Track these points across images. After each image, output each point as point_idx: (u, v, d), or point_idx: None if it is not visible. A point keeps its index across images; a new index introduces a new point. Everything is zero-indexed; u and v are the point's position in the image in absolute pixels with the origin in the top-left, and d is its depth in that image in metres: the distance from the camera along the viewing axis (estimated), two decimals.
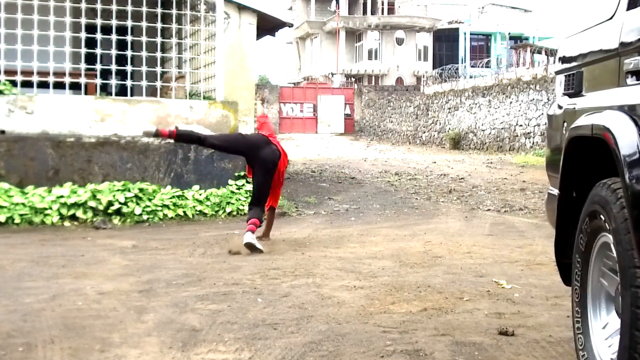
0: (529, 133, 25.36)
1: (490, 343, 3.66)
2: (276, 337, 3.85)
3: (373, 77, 50.90)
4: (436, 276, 5.44)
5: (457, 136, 30.00)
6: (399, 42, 51.70)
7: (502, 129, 27.18)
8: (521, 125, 25.88)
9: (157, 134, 7.09)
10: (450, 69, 38.15)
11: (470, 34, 52.69)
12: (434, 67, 48.45)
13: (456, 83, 34.08)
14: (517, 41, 47.22)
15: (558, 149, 3.39)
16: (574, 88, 3.22)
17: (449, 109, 31.45)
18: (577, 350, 2.95)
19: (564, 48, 3.53)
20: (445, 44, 53.30)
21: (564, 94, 3.41)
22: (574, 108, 3.17)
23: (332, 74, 49.20)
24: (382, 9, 53.95)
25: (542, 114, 24.44)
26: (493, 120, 27.84)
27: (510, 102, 26.70)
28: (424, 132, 33.98)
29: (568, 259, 3.10)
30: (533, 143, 24.91)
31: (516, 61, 37.84)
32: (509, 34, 47.69)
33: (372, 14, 53.15)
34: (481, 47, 53.65)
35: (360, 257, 6.38)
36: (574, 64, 3.31)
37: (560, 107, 3.48)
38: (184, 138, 7.58)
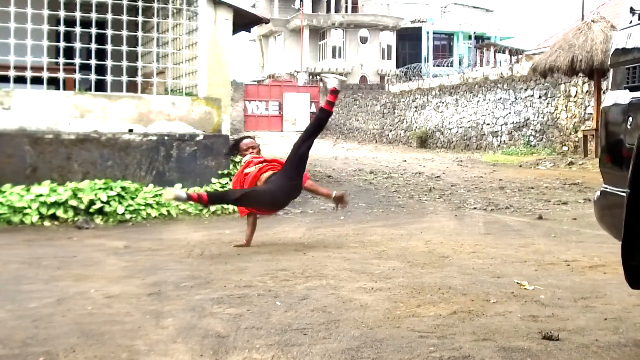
0: (496, 132, 25.48)
1: (538, 349, 3.50)
2: (310, 343, 3.65)
3: None
4: (453, 277, 5.28)
5: (424, 135, 30.03)
6: (363, 40, 51.72)
7: (469, 127, 27.29)
8: (489, 124, 26.00)
9: (187, 199, 6.44)
10: (415, 67, 38.25)
11: (433, 33, 53.01)
12: (397, 66, 48.62)
13: (422, 82, 34.14)
14: (480, 41, 47.61)
15: (618, 143, 3.25)
16: None
17: (416, 107, 31.47)
18: None
19: (621, 39, 3.39)
20: (408, 43, 53.52)
21: (625, 87, 3.27)
22: None
23: (297, 72, 48.98)
24: (346, 7, 53.92)
25: (510, 112, 24.59)
26: (460, 119, 27.93)
27: (478, 101, 26.82)
28: (391, 131, 33.98)
29: (636, 261, 2.96)
30: (500, 142, 25.04)
31: (480, 60, 38.12)
32: (475, 33, 48.02)
33: (335, 12, 53.06)
34: (444, 47, 54.01)
35: (365, 257, 6.21)
36: (639, 55, 3.17)
37: (620, 100, 3.33)
38: (215, 201, 7.61)
